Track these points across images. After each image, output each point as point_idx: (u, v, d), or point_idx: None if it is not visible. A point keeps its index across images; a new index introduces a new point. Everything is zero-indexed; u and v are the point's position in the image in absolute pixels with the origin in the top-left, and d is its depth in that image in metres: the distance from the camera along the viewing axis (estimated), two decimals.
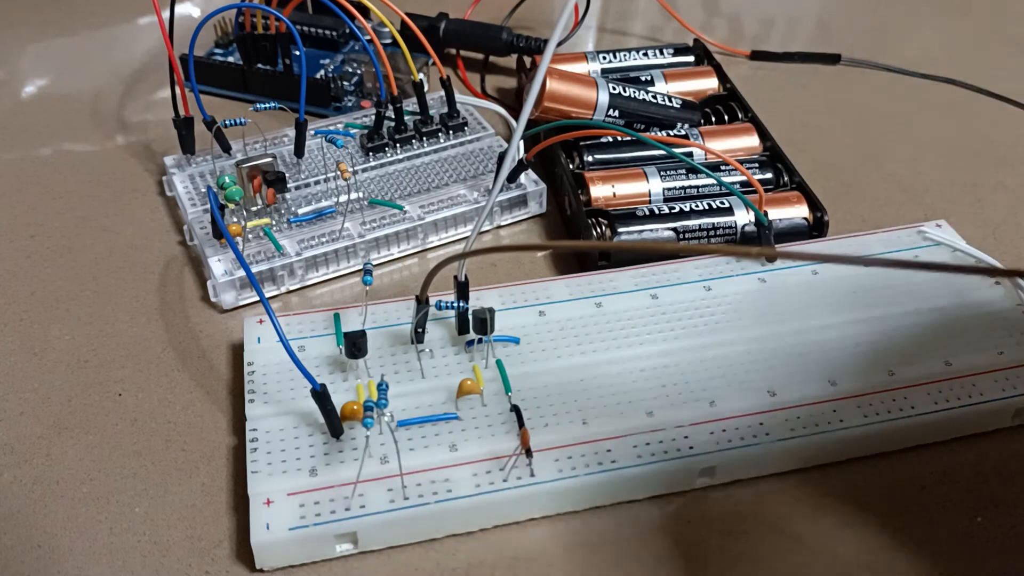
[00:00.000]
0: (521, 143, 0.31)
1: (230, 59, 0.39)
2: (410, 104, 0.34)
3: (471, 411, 0.24)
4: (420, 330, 0.25)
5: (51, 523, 0.22)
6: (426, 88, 0.35)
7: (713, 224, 0.30)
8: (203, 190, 0.32)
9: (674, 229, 0.29)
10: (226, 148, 0.33)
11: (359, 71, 0.39)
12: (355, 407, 0.22)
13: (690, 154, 0.32)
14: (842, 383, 0.25)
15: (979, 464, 0.24)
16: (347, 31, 0.40)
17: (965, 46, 0.45)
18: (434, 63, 0.34)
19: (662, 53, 0.38)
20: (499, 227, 0.33)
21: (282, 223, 0.30)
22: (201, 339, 0.28)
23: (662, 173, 0.31)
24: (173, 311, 0.29)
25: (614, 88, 0.32)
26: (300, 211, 0.31)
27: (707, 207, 0.30)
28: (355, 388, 0.24)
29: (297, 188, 0.32)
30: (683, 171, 0.31)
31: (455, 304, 0.25)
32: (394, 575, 0.22)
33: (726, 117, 0.35)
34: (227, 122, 0.31)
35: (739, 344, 0.26)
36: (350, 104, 0.38)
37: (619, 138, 0.33)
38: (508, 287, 0.27)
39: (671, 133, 0.33)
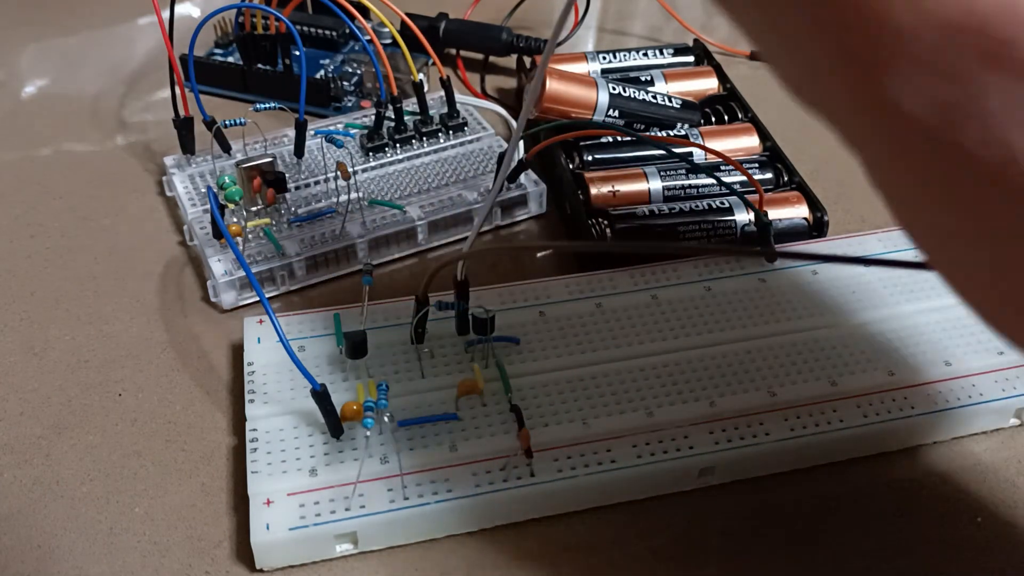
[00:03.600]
0: (521, 143, 0.31)
1: (230, 59, 0.39)
2: (410, 104, 0.34)
3: (471, 411, 0.24)
4: (420, 330, 0.25)
5: (51, 523, 0.22)
6: (426, 88, 0.35)
7: (713, 224, 0.30)
8: (203, 190, 0.32)
9: (674, 229, 0.29)
10: (226, 148, 0.33)
11: (359, 71, 0.39)
12: (355, 407, 0.22)
13: (690, 154, 0.32)
14: (842, 383, 0.25)
15: (979, 464, 0.24)
16: (347, 31, 0.40)
17: None
18: (434, 63, 0.34)
19: (662, 53, 0.38)
20: (499, 227, 0.33)
21: (282, 223, 0.30)
22: (201, 339, 0.28)
23: (662, 173, 0.31)
24: (173, 311, 0.29)
25: (614, 88, 0.32)
26: (300, 211, 0.31)
27: (707, 207, 0.30)
28: (355, 388, 0.24)
29: (297, 188, 0.32)
30: (683, 171, 0.31)
31: (455, 304, 0.25)
32: (394, 575, 0.22)
33: (726, 117, 0.35)
34: (227, 122, 0.31)
35: (739, 344, 0.26)
36: (350, 104, 0.38)
37: (619, 138, 0.33)
38: (508, 287, 0.27)
39: (671, 133, 0.33)
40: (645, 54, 0.38)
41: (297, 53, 0.39)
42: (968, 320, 0.27)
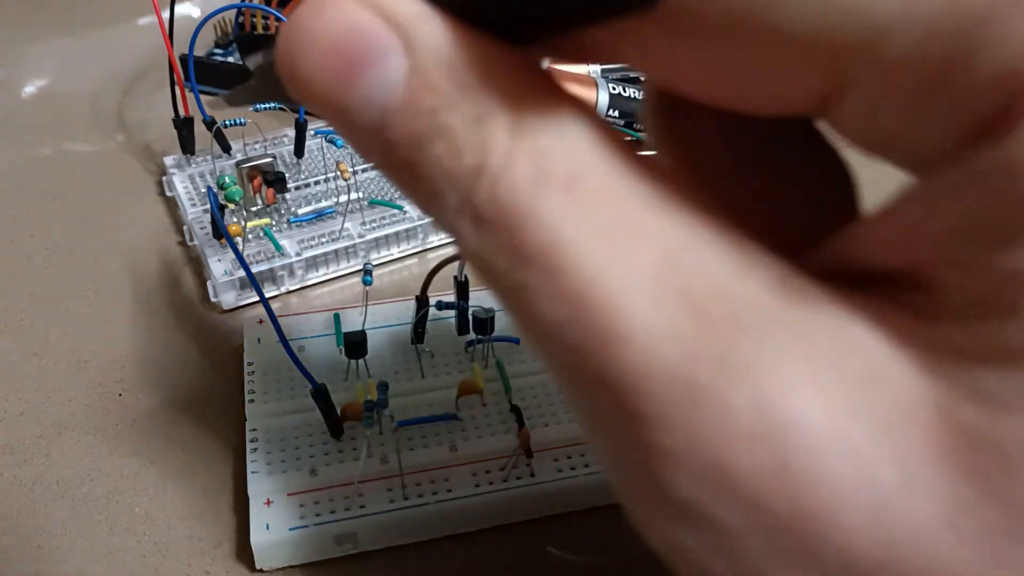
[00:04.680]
0: None
1: (230, 59, 0.39)
2: None
3: (471, 411, 0.24)
4: (420, 330, 0.25)
5: (51, 523, 0.22)
6: None
7: None
8: (203, 190, 0.32)
9: None
10: (226, 148, 0.33)
11: None
12: (355, 407, 0.22)
13: None
14: None
15: None
16: None
17: None
18: None
19: None
20: None
21: (282, 223, 0.30)
22: (201, 339, 0.28)
23: None
24: (173, 311, 0.29)
25: (614, 88, 0.32)
26: (300, 211, 0.31)
27: None
28: (355, 388, 0.24)
29: (297, 188, 0.32)
30: None
31: (455, 304, 0.25)
32: (394, 575, 0.22)
33: None
34: (227, 122, 0.31)
35: None
36: None
37: None
38: None
39: None
40: None
41: None
42: None
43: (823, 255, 0.10)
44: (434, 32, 0.10)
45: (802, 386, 0.09)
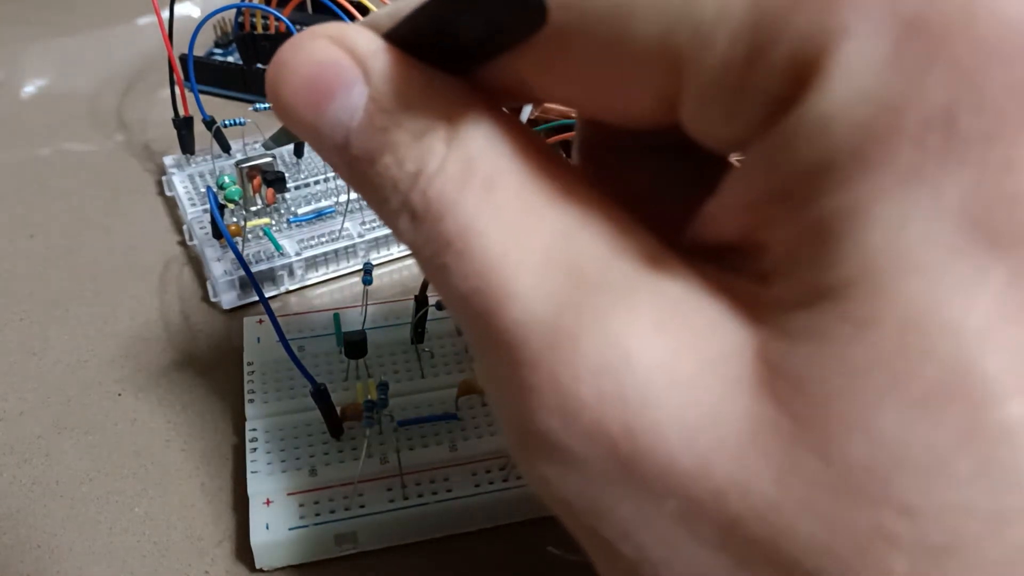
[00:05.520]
0: None
1: (230, 59, 0.39)
2: None
3: (471, 411, 0.24)
4: (420, 330, 0.25)
5: (51, 523, 0.22)
6: None
7: None
8: (203, 190, 0.32)
9: None
10: (226, 148, 0.33)
11: None
12: (355, 407, 0.22)
13: None
14: None
15: None
16: None
17: None
18: None
19: None
20: None
21: (282, 223, 0.30)
22: (201, 339, 0.28)
23: None
24: (173, 311, 0.29)
25: None
26: (300, 211, 0.31)
27: None
28: (355, 388, 0.24)
29: (297, 188, 0.32)
30: None
31: None
32: (394, 575, 0.22)
33: None
34: (227, 122, 0.31)
35: None
36: None
37: None
38: None
39: None
40: None
41: None
42: None
43: (691, 236, 0.12)
44: (387, 63, 0.12)
45: (645, 330, 0.10)
